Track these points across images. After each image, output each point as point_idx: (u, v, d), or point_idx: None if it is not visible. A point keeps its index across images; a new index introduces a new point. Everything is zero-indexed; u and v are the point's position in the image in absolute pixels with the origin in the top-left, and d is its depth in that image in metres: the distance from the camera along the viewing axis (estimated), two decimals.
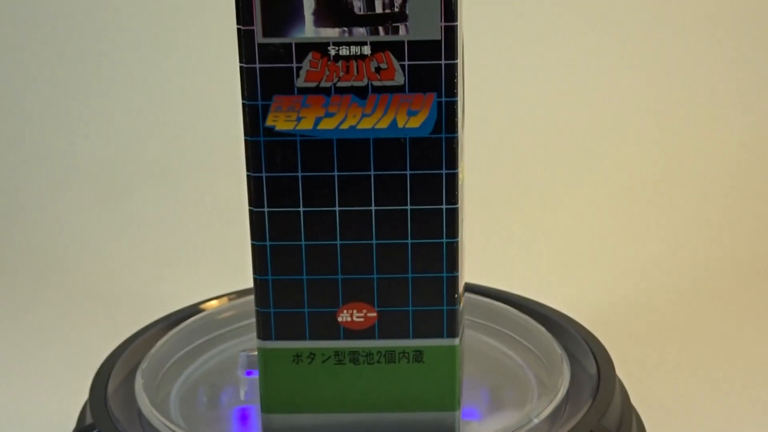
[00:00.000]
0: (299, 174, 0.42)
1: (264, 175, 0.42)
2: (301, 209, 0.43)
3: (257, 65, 0.41)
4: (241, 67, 0.41)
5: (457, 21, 0.41)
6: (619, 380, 0.51)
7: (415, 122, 0.42)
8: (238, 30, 0.41)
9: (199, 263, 0.78)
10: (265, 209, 0.43)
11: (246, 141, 0.42)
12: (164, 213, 0.83)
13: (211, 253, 0.79)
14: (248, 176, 0.42)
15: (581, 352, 0.52)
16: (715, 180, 0.84)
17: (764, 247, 0.79)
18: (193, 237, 0.81)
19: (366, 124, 0.42)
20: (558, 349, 0.51)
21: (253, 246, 0.43)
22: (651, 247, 0.78)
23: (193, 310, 0.57)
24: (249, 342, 0.53)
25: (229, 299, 0.58)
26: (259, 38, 0.41)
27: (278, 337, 0.44)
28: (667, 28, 0.86)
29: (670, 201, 0.83)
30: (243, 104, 0.42)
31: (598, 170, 0.83)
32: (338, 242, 0.43)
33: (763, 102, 0.87)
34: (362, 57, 0.41)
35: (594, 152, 0.85)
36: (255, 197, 0.43)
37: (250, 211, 0.43)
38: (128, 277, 0.77)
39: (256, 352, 0.45)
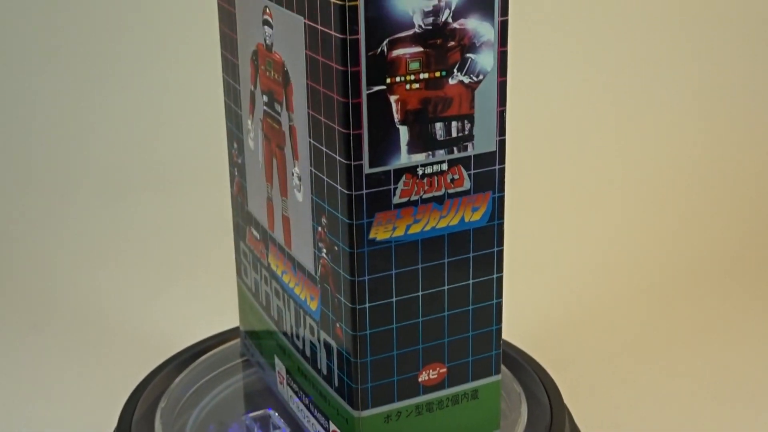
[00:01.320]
0: (393, 272, 0.51)
1: (366, 278, 0.51)
2: (394, 299, 0.52)
3: (364, 191, 0.49)
4: (348, 195, 0.49)
5: (506, 134, 0.51)
6: (568, 411, 0.64)
7: (477, 216, 0.52)
8: (348, 165, 0.49)
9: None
10: (367, 305, 0.51)
11: (351, 253, 0.50)
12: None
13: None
14: (352, 281, 0.51)
15: (536, 388, 0.64)
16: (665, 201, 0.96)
17: (718, 258, 0.90)
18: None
19: (442, 223, 0.52)
20: (517, 388, 0.64)
21: (354, 336, 0.52)
22: (595, 257, 0.88)
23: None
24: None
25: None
26: (366, 169, 0.49)
27: (373, 405, 0.53)
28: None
29: (614, 209, 0.94)
30: (349, 224, 0.50)
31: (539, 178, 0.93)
32: (420, 320, 0.53)
33: (711, 102, 1.02)
34: (441, 172, 0.51)
35: (535, 159, 0.95)
36: (359, 297, 0.51)
37: (353, 309, 0.51)
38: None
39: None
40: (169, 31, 0.96)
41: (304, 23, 0.50)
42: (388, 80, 0.48)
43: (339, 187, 0.50)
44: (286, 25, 0.52)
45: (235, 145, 0.63)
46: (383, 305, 0.52)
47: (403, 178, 0.50)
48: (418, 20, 0.48)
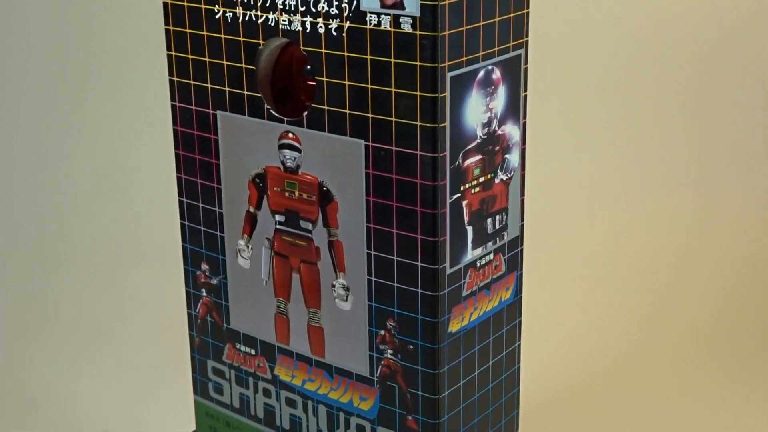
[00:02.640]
0: (461, 358, 0.56)
1: (446, 368, 0.55)
2: (461, 383, 0.56)
3: (446, 291, 0.54)
4: (434, 297, 0.53)
5: (524, 219, 0.59)
6: None
7: (508, 294, 0.59)
8: (434, 270, 0.53)
9: None
10: (445, 394, 0.55)
11: (435, 349, 0.54)
12: None
13: None
14: (434, 374, 0.55)
15: None
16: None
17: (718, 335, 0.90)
18: None
19: (489, 306, 0.57)
20: None
21: (435, 424, 0.56)
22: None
23: None
24: None
25: None
26: (448, 271, 0.54)
27: None
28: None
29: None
30: (433, 323, 0.54)
31: None
32: (476, 396, 0.58)
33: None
34: (489, 262, 0.57)
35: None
36: (439, 388, 0.55)
37: (435, 399, 0.55)
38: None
39: None
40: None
41: (367, 146, 0.54)
42: (462, 188, 0.53)
43: (420, 291, 0.54)
44: (329, 148, 0.55)
45: (205, 267, 0.63)
46: (455, 390, 0.57)
47: (469, 272, 0.56)
48: (479, 131, 0.54)
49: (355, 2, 0.52)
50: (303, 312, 0.59)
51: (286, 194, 0.58)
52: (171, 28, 0.60)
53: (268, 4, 0.55)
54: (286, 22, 0.55)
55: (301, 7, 0.54)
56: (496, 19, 0.53)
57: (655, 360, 0.84)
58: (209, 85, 0.59)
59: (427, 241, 0.53)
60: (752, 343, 0.87)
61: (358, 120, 0.54)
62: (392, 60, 0.51)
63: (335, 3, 0.52)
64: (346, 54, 0.53)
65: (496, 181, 0.56)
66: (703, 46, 1.10)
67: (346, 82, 0.53)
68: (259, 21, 0.56)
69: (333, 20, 0.53)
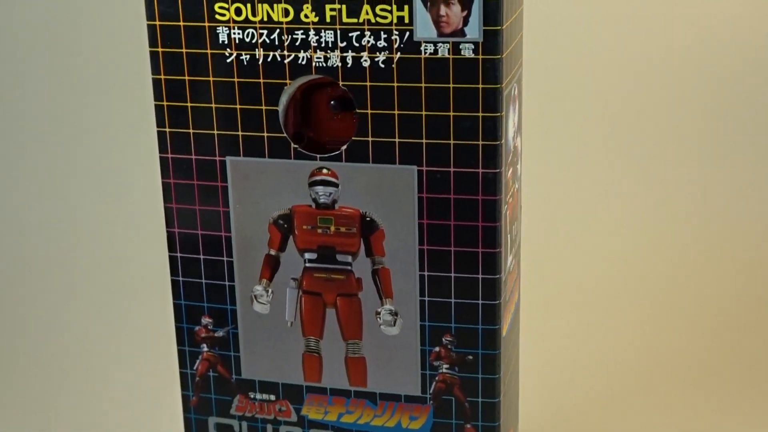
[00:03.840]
0: (508, 360, 0.59)
1: (501, 373, 0.58)
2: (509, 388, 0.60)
3: (501, 299, 0.57)
4: (495, 305, 0.56)
5: None
6: None
7: (517, 295, 0.62)
8: (497, 279, 0.56)
9: None
10: (502, 397, 0.58)
11: (495, 354, 0.57)
12: None
13: None
14: (495, 378, 0.57)
15: None
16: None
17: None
18: None
19: (515, 302, 0.61)
20: None
21: (494, 426, 0.58)
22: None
23: None
24: None
25: None
26: (503, 280, 0.57)
27: None
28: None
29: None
30: (494, 329, 0.56)
31: None
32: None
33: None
34: (513, 267, 0.60)
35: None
36: (500, 390, 0.58)
37: (494, 402, 0.58)
38: None
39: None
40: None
41: (420, 171, 0.55)
42: (506, 202, 0.57)
43: (481, 302, 0.57)
44: (374, 179, 0.56)
45: (206, 321, 0.61)
46: (505, 392, 0.60)
47: (507, 278, 0.59)
48: (511, 145, 0.57)
49: (407, 33, 0.53)
50: (339, 346, 0.59)
51: (319, 231, 0.58)
52: (162, 77, 0.57)
53: (298, 43, 0.55)
54: (321, 59, 0.55)
55: (341, 42, 0.54)
56: (517, 39, 0.57)
57: (661, 373, 0.86)
58: (216, 132, 0.58)
59: (488, 253, 0.56)
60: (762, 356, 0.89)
61: (409, 147, 0.55)
62: (451, 85, 0.54)
63: (383, 36, 0.54)
64: (395, 84, 0.54)
65: (516, 190, 0.60)
66: (706, 54, 1.09)
67: (396, 112, 0.55)
68: (286, 61, 0.55)
69: (380, 53, 0.54)
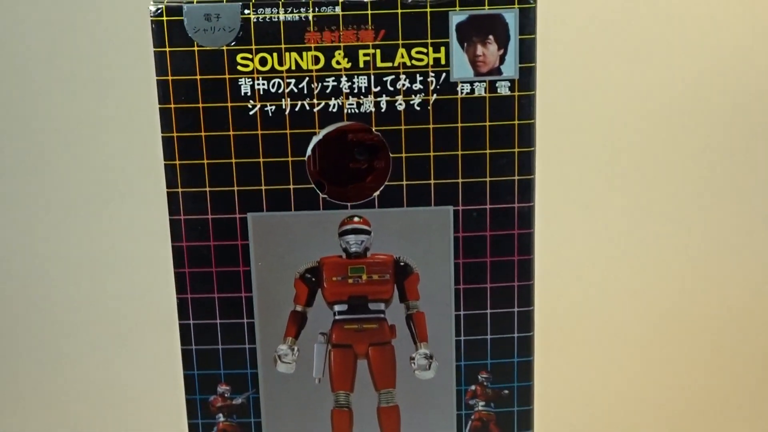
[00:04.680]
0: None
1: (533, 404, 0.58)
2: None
3: (534, 331, 0.57)
4: (524, 337, 0.57)
5: None
6: None
7: None
8: (530, 311, 0.56)
9: None
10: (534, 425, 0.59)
11: (529, 386, 0.57)
12: None
13: None
14: (529, 410, 0.58)
15: None
16: None
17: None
18: None
19: None
20: None
21: None
22: None
23: None
24: None
25: None
26: (535, 313, 0.57)
27: None
28: None
29: None
30: (528, 361, 0.57)
31: None
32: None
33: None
34: None
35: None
36: (532, 421, 0.58)
37: None
38: None
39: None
40: None
41: (456, 210, 0.55)
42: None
43: (516, 335, 0.57)
44: (408, 222, 0.55)
45: (223, 389, 0.57)
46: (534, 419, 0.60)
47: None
48: None
49: (444, 75, 0.53)
50: (371, 397, 0.58)
51: (350, 281, 0.56)
52: (174, 135, 0.54)
53: (328, 91, 0.54)
54: (354, 105, 0.54)
55: (375, 87, 0.54)
56: None
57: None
58: (236, 188, 0.55)
59: (523, 286, 0.57)
60: None
61: (445, 188, 0.55)
62: (487, 123, 0.54)
63: (419, 78, 0.53)
64: (431, 126, 0.54)
65: None
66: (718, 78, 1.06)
67: (431, 154, 0.55)
68: (316, 109, 0.54)
69: (416, 95, 0.54)
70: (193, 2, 0.53)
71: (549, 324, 0.92)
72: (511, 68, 0.54)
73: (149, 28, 0.53)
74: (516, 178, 0.55)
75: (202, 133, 0.54)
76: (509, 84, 0.54)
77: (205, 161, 0.55)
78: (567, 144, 1.05)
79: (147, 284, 0.99)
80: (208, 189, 0.55)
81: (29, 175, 1.00)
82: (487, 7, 0.53)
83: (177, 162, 0.55)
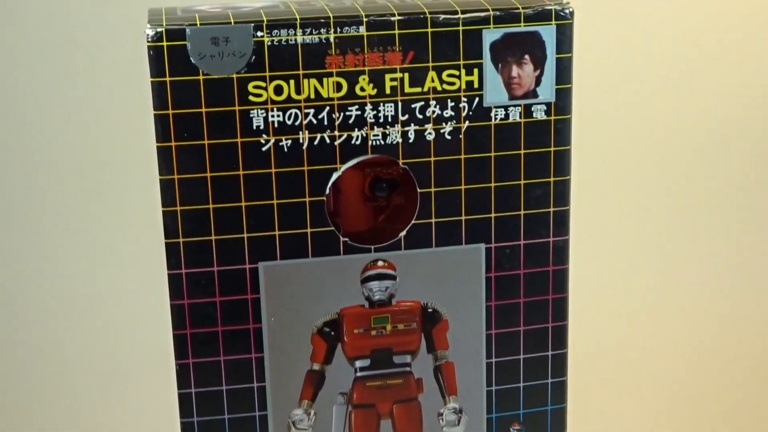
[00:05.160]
0: None
1: None
2: None
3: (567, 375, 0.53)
4: (558, 382, 0.52)
5: None
6: None
7: None
8: (564, 353, 0.52)
9: None
10: None
11: None
12: None
13: None
14: None
15: None
16: None
17: None
18: None
19: None
20: None
21: None
22: None
23: None
24: None
25: None
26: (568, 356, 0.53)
27: None
28: None
29: None
30: (561, 408, 0.52)
31: None
32: None
33: None
34: None
35: None
36: None
37: None
38: None
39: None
40: None
41: (488, 248, 0.50)
42: None
43: (550, 380, 0.52)
44: (437, 264, 0.50)
45: None
46: None
47: None
48: None
49: (476, 99, 0.48)
50: None
51: (373, 332, 0.50)
52: (176, 176, 0.47)
53: (351, 121, 0.48)
54: (379, 136, 0.48)
55: (403, 115, 0.48)
56: None
57: None
58: (246, 235, 0.48)
59: (557, 326, 0.52)
60: None
61: (477, 224, 0.50)
62: (522, 151, 0.50)
63: (450, 104, 0.48)
64: (463, 157, 0.49)
65: None
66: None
67: (462, 187, 0.49)
68: (337, 142, 0.48)
69: (447, 123, 0.48)
70: (196, 24, 0.46)
71: (582, 368, 0.87)
72: (547, 90, 0.49)
73: (145, 55, 0.46)
74: (551, 210, 0.51)
75: (207, 174, 0.47)
76: (545, 108, 0.49)
77: (211, 206, 0.48)
78: (600, 171, 0.95)
79: (144, 350, 0.89)
80: (213, 237, 0.48)
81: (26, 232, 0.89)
82: (522, 24, 0.48)
83: (178, 208, 0.48)
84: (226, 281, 0.49)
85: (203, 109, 0.47)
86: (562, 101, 0.50)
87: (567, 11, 0.49)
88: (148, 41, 0.46)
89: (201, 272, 0.48)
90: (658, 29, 0.90)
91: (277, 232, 0.49)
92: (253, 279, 0.49)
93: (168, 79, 0.46)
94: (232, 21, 0.46)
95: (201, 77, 0.46)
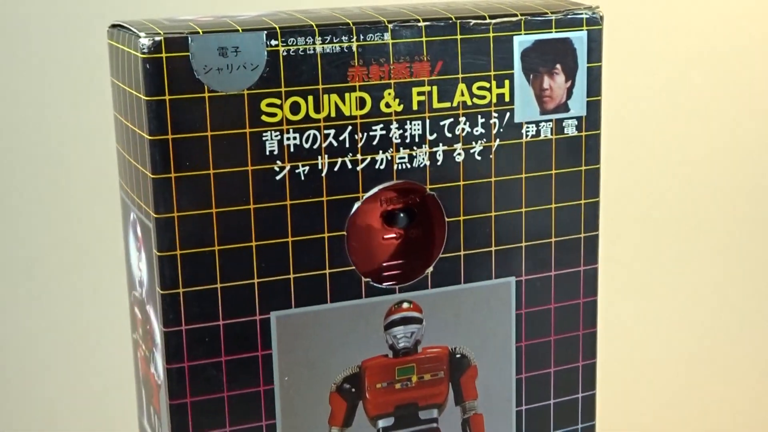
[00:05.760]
0: None
1: None
2: None
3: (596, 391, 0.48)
4: (588, 425, 0.47)
5: None
6: None
7: None
8: (587, 396, 0.47)
9: None
10: None
11: None
12: None
13: None
14: None
15: None
16: None
17: None
18: None
19: None
20: None
21: None
22: None
23: None
24: None
25: None
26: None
27: None
28: None
29: None
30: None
31: None
32: None
33: None
34: None
35: None
36: None
37: None
38: None
39: None
40: None
41: (518, 282, 0.44)
42: None
43: (580, 425, 0.47)
44: (466, 302, 0.44)
45: None
46: None
47: None
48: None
49: (507, 115, 0.43)
50: None
51: (398, 386, 0.44)
52: (175, 214, 0.39)
53: (375, 142, 0.41)
54: (405, 159, 0.42)
55: (431, 135, 0.42)
56: None
57: None
58: (256, 280, 0.41)
59: (587, 365, 0.47)
60: None
61: (507, 255, 0.44)
62: (553, 171, 0.44)
63: (480, 120, 0.43)
64: (493, 180, 0.43)
65: None
66: None
67: (492, 214, 0.44)
68: (360, 167, 0.41)
69: (476, 142, 0.43)
70: (198, 32, 0.39)
71: (611, 408, 0.81)
72: (578, 103, 0.45)
73: (139, 68, 0.38)
74: (582, 235, 0.46)
75: (213, 210, 0.40)
76: (576, 122, 0.45)
77: (216, 247, 0.40)
78: (628, 190, 0.87)
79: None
80: (219, 285, 0.41)
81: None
82: (554, 30, 0.43)
83: (177, 252, 0.40)
84: (233, 336, 0.41)
85: (208, 132, 0.39)
86: (593, 115, 0.45)
87: (598, 16, 0.44)
88: (143, 53, 0.38)
89: (204, 328, 0.41)
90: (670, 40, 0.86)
91: (291, 275, 0.41)
92: (264, 332, 0.41)
93: (167, 97, 0.38)
94: (240, 29, 0.39)
95: (206, 94, 0.39)
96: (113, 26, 0.43)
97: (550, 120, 0.44)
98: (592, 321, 0.47)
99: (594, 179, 0.46)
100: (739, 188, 0.90)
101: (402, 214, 0.44)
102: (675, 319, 0.91)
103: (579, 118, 0.45)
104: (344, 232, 0.42)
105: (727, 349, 0.93)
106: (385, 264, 0.45)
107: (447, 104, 0.42)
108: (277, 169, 0.40)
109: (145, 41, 0.38)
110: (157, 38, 0.38)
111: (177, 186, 0.39)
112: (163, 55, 0.38)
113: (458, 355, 0.45)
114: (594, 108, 0.45)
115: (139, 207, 0.42)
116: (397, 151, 0.42)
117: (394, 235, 0.45)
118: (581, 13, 0.44)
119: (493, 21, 0.42)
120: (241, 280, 0.41)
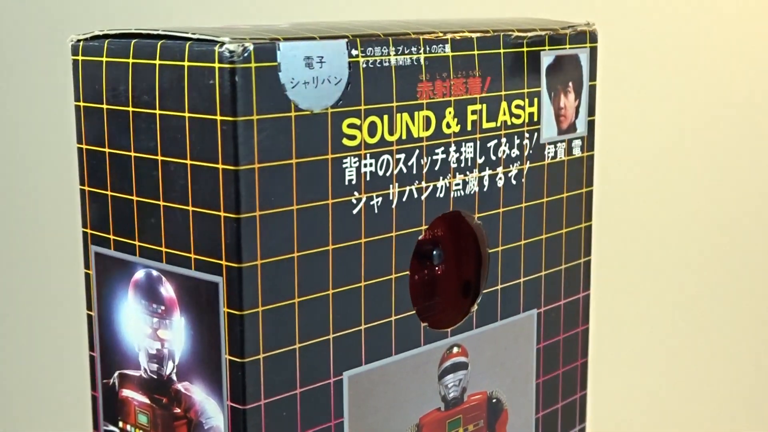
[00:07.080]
0: None
1: None
2: None
3: None
4: None
5: None
6: None
7: None
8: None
9: None
10: None
11: None
12: None
13: None
14: None
15: None
16: None
17: None
18: None
19: None
20: None
21: None
22: None
23: None
24: None
25: None
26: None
27: None
28: None
29: None
30: None
31: None
32: None
33: None
34: None
35: None
36: None
37: None
38: None
39: None
40: None
41: (539, 314, 0.41)
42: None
43: None
44: (500, 341, 0.39)
45: None
46: None
47: None
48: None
49: (535, 135, 0.40)
50: None
51: None
52: (260, 261, 0.31)
53: (437, 167, 0.36)
54: (460, 186, 0.37)
55: (480, 158, 0.38)
56: None
57: None
58: (331, 336, 0.34)
59: (582, 396, 0.45)
60: None
61: (531, 285, 0.41)
62: (564, 195, 0.42)
63: (516, 141, 0.39)
64: (524, 205, 0.40)
65: None
66: None
67: (522, 242, 0.40)
68: (423, 197, 0.36)
69: (513, 165, 0.39)
70: (279, 39, 0.32)
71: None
72: (582, 123, 0.43)
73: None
74: (582, 260, 0.44)
75: (295, 254, 0.33)
76: (581, 143, 0.43)
77: (296, 299, 0.33)
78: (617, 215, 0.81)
79: None
80: (297, 345, 0.33)
81: None
82: (568, 46, 0.41)
83: (260, 309, 0.32)
84: (308, 406, 0.34)
85: (293, 160, 0.32)
86: (591, 135, 0.44)
87: (595, 33, 0.43)
88: (230, 62, 0.30)
89: (282, 399, 0.33)
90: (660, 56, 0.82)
91: (363, 327, 0.35)
92: (338, 396, 0.35)
93: (255, 117, 0.31)
94: (317, 36, 0.33)
95: (293, 114, 0.32)
96: (91, 38, 0.34)
97: (564, 140, 0.42)
98: (585, 351, 0.45)
99: (590, 202, 0.44)
100: (731, 191, 0.87)
101: (436, 251, 0.40)
102: (668, 330, 0.88)
103: (582, 138, 0.43)
104: (407, 272, 0.36)
105: (725, 349, 0.90)
106: (424, 305, 0.40)
107: (493, 124, 0.39)
108: (355, 201, 0.34)
109: (231, 47, 0.30)
110: (247, 44, 0.31)
111: (261, 228, 0.32)
112: (252, 65, 0.31)
113: (494, 400, 0.41)
114: (591, 127, 0.44)
115: (176, 260, 0.33)
116: (454, 176, 0.37)
117: (425, 272, 0.40)
118: (584, 29, 0.42)
119: (528, 34, 0.39)
120: (318, 337, 0.34)
